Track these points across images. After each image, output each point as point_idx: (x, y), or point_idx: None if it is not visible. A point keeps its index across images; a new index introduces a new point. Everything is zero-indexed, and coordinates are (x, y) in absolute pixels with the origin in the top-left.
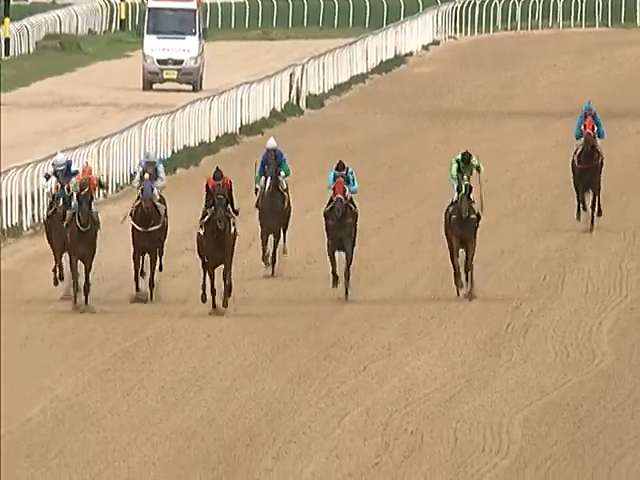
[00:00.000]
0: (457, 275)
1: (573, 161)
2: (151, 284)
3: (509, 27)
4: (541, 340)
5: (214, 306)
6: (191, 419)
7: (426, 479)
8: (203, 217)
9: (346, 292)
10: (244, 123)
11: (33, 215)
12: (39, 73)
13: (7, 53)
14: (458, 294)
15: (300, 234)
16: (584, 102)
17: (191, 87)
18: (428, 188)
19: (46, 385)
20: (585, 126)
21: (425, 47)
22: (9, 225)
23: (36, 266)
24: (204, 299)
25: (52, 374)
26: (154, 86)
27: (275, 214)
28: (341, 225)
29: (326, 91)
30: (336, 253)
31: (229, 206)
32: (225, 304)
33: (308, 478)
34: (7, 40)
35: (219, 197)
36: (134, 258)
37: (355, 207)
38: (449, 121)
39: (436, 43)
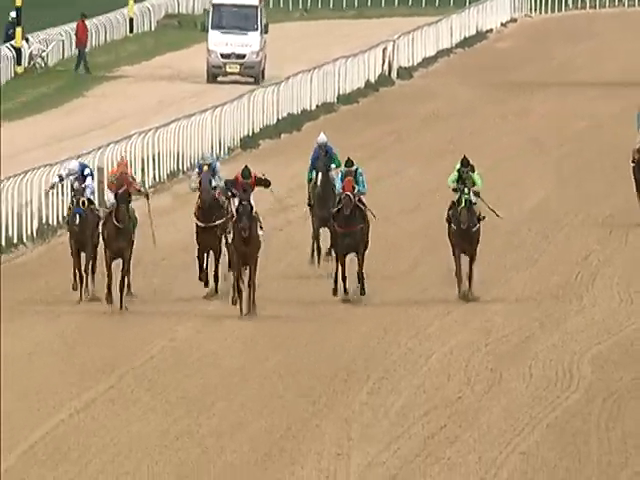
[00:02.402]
0: (458, 273)
1: (634, 161)
2: (215, 279)
3: (579, 6)
4: (607, 287)
5: (241, 310)
6: (295, 357)
7: (504, 411)
8: (232, 217)
9: (361, 291)
10: (341, 93)
11: (154, 176)
12: (160, 49)
13: (131, 31)
14: (459, 289)
15: (383, 192)
16: None
17: (253, 80)
18: (503, 153)
19: (166, 328)
20: None
21: (504, 24)
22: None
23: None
24: (234, 301)
25: (170, 319)
26: (218, 79)
27: (327, 206)
28: (350, 231)
29: (415, 64)
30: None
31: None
32: (252, 306)
33: (398, 410)
34: (131, 20)
35: (243, 204)
36: (198, 257)
37: (365, 207)
38: (524, 91)
39: (514, 21)
